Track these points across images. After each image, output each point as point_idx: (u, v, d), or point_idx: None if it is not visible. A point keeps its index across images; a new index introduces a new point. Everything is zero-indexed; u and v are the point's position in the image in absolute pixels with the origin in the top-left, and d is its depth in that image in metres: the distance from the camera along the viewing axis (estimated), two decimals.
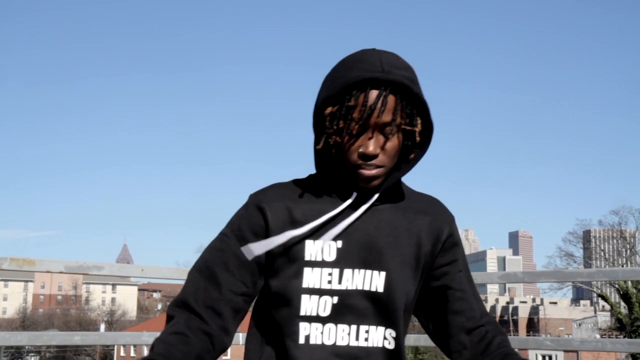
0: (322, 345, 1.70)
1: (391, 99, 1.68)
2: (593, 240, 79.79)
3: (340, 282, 1.71)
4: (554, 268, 51.26)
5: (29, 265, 3.64)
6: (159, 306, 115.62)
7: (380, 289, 1.72)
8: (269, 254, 1.73)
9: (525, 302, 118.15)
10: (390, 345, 1.74)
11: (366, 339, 1.72)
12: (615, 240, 60.92)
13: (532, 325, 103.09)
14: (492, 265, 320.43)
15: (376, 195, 1.75)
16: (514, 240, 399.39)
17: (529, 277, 4.66)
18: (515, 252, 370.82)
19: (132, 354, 60.17)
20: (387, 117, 1.67)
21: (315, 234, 1.73)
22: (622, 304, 47.81)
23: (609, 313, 72.43)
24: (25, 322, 78.06)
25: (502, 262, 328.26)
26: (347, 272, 1.71)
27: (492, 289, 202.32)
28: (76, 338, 3.98)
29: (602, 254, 66.19)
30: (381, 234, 1.75)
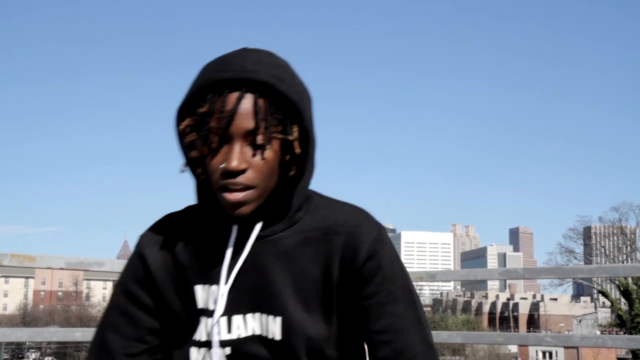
0: None
1: (257, 102, 1.36)
2: (593, 236, 79.70)
3: (229, 330, 1.43)
4: (554, 264, 51.30)
5: (30, 261, 3.64)
6: None
7: (278, 336, 1.41)
8: (161, 301, 1.48)
9: (525, 298, 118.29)
10: None
11: None
12: (615, 237, 60.93)
13: (533, 322, 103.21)
14: (492, 262, 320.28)
15: (258, 226, 1.43)
16: (514, 237, 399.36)
17: (529, 274, 4.64)
18: (516, 249, 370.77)
19: None
20: (251, 124, 1.35)
21: (202, 278, 1.46)
22: (623, 300, 47.86)
23: (609, 309, 72.55)
24: (25, 318, 78.17)
25: (502, 258, 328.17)
26: (237, 318, 1.43)
27: (493, 285, 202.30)
28: (77, 334, 3.98)
29: (603, 250, 66.21)
30: (276, 271, 1.43)
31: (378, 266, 1.42)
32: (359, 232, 1.43)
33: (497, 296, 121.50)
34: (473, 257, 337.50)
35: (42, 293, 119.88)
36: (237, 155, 1.35)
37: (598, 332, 66.41)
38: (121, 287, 1.53)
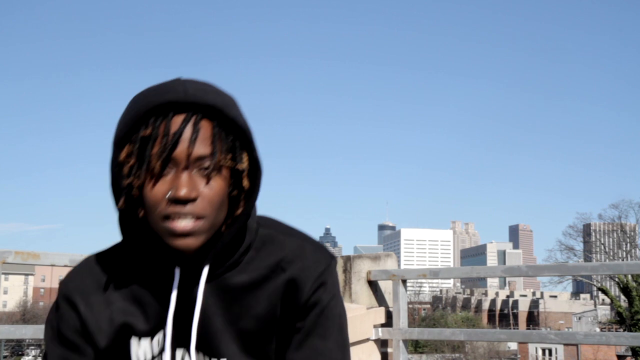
0: None
1: (205, 126, 1.26)
2: (593, 234, 79.85)
3: None
4: (554, 262, 51.31)
5: (34, 258, 3.64)
6: None
7: None
8: (96, 351, 1.36)
9: (525, 295, 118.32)
10: None
11: None
12: (615, 234, 60.95)
13: (532, 319, 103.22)
14: (492, 259, 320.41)
15: (206, 270, 1.33)
16: (514, 234, 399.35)
17: (532, 271, 4.64)
18: (516, 246, 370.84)
19: None
20: (201, 149, 1.24)
21: (140, 330, 1.35)
22: (622, 297, 47.88)
23: (608, 307, 72.57)
24: (25, 315, 78.17)
25: (502, 255, 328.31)
26: (180, 352, 1.34)
27: (492, 283, 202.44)
28: None
29: (602, 247, 66.23)
30: (218, 313, 1.34)
31: (317, 301, 1.34)
32: (303, 268, 1.34)
33: (496, 293, 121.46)
34: (473, 255, 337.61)
35: (42, 290, 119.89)
36: (186, 183, 1.23)
37: (598, 329, 66.44)
38: (58, 340, 1.38)
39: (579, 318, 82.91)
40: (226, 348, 1.33)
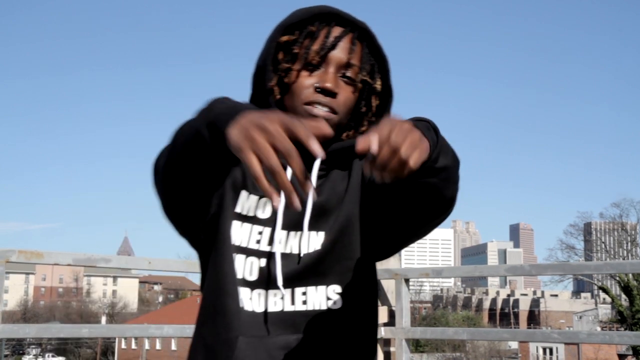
0: (253, 313, 1.48)
1: (357, 43, 1.51)
2: (594, 232, 79.82)
3: (270, 243, 1.49)
4: (555, 260, 51.30)
5: (37, 257, 3.64)
6: (160, 298, 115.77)
7: (319, 249, 1.51)
8: (215, 197, 1.48)
9: (526, 294, 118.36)
10: (335, 305, 1.51)
11: (304, 302, 1.50)
12: (616, 233, 60.91)
13: (533, 318, 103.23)
14: (492, 258, 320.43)
15: (317, 163, 1.49)
16: (514, 233, 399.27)
17: (535, 270, 4.63)
18: (516, 245, 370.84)
19: (133, 346, 60.27)
20: (350, 59, 1.49)
21: (255, 188, 1.50)
22: (623, 296, 47.85)
23: (609, 305, 72.48)
24: (26, 314, 78.14)
25: (502, 254, 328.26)
26: (282, 233, 1.49)
27: (493, 282, 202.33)
28: (84, 330, 3.98)
29: (603, 246, 66.19)
30: (324, 196, 1.52)
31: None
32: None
33: (497, 292, 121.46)
34: (473, 254, 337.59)
35: (43, 289, 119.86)
36: (333, 79, 1.47)
37: (599, 329, 66.41)
38: None
39: (580, 317, 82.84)
40: (329, 224, 1.52)
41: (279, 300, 1.49)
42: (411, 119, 1.36)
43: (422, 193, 1.37)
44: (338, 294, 1.52)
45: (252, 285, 1.48)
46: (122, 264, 4.34)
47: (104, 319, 73.10)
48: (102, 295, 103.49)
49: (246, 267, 1.48)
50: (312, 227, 1.50)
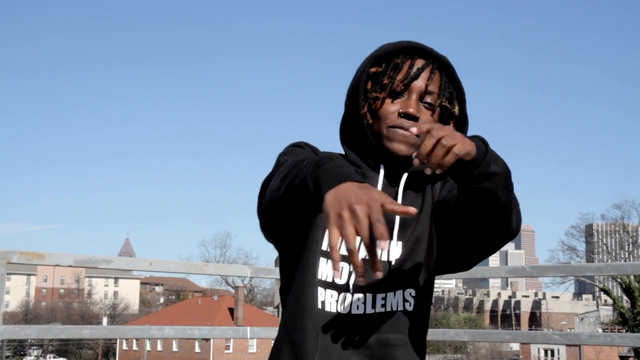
0: (337, 314, 1.66)
1: (437, 74, 1.72)
2: (595, 234, 79.82)
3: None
4: (557, 262, 51.25)
5: (39, 258, 3.64)
6: (161, 299, 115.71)
7: (398, 257, 1.71)
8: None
9: (527, 296, 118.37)
10: (410, 306, 1.72)
11: (383, 305, 1.69)
12: (617, 234, 60.89)
13: (534, 320, 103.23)
14: (494, 260, 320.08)
15: (405, 175, 1.74)
16: None
17: (537, 272, 4.62)
18: (518, 246, 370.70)
19: (135, 347, 60.28)
20: (431, 87, 1.70)
21: None
22: (625, 298, 47.81)
23: (611, 307, 72.46)
24: (27, 315, 78.19)
25: (504, 256, 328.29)
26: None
27: (494, 283, 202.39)
28: (85, 332, 3.98)
29: (605, 248, 66.17)
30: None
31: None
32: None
33: (499, 294, 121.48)
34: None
35: (44, 290, 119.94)
36: (415, 106, 1.68)
37: (600, 330, 66.35)
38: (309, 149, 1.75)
39: (582, 319, 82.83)
40: (408, 235, 1.72)
41: (362, 304, 1.67)
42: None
43: (480, 198, 1.57)
44: (413, 297, 1.72)
45: (340, 288, 1.67)
46: (124, 265, 4.35)
47: (105, 320, 73.09)
48: (103, 297, 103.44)
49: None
50: (397, 238, 1.71)
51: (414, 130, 1.45)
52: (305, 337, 1.64)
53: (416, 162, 1.45)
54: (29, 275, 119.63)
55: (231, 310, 55.13)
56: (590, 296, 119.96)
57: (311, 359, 1.63)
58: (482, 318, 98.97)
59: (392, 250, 1.71)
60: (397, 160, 1.71)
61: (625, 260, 54.32)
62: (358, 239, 1.34)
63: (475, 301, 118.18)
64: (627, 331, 44.34)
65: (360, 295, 1.67)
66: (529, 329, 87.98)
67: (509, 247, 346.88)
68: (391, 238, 1.71)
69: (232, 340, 51.51)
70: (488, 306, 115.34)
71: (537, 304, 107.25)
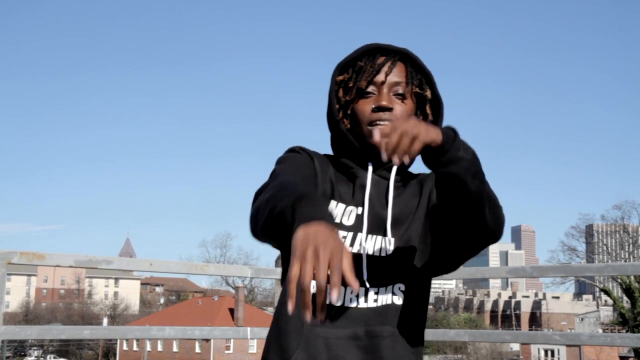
0: (330, 306, 1.74)
1: (400, 65, 1.83)
2: (596, 234, 79.60)
3: (352, 245, 1.78)
4: (557, 262, 51.22)
5: (39, 259, 3.64)
6: (162, 300, 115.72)
7: (390, 253, 1.79)
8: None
9: (527, 296, 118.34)
10: (399, 300, 1.79)
11: (375, 300, 1.77)
12: (618, 235, 60.84)
13: (535, 320, 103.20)
14: (494, 260, 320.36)
15: (395, 168, 1.84)
16: (516, 235, 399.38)
17: (537, 272, 4.62)
18: (518, 247, 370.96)
19: (135, 348, 60.27)
20: (395, 77, 1.80)
21: (340, 198, 1.82)
22: (625, 298, 47.79)
23: (611, 307, 72.44)
24: (28, 316, 78.21)
25: (504, 256, 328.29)
26: (360, 236, 1.79)
27: (495, 284, 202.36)
28: (86, 332, 3.98)
29: (605, 248, 66.12)
30: (394, 204, 1.83)
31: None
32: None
33: (499, 294, 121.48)
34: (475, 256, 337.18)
35: (45, 291, 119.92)
36: (385, 97, 1.78)
37: (600, 331, 66.31)
38: (296, 167, 1.81)
39: (582, 319, 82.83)
40: (399, 230, 1.81)
41: (354, 297, 1.76)
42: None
43: (449, 184, 1.64)
44: (402, 291, 1.79)
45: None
46: (124, 265, 4.34)
47: (105, 321, 73.12)
48: (103, 297, 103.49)
49: None
50: (385, 234, 1.79)
51: (376, 136, 1.52)
52: (291, 327, 1.75)
53: (385, 156, 1.52)
54: (29, 275, 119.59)
55: (232, 311, 55.11)
56: (590, 296, 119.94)
57: (294, 346, 1.74)
58: (483, 318, 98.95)
59: (385, 247, 1.79)
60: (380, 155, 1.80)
61: (625, 261, 54.30)
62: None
63: (476, 301, 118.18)
64: (627, 331, 44.31)
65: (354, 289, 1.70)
66: (529, 329, 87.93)
67: (510, 247, 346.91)
68: (385, 235, 1.80)
69: (232, 340, 51.46)
70: (488, 306, 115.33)
71: (537, 305, 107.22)
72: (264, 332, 4.62)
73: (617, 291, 55.03)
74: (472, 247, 1.76)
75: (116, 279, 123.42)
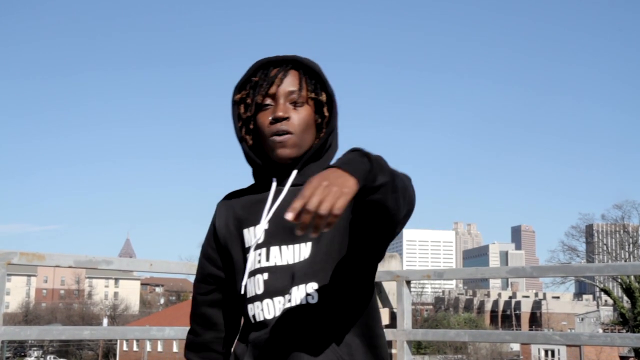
0: (264, 321, 1.81)
1: (293, 73, 1.86)
2: (596, 234, 79.50)
3: (268, 259, 1.83)
4: (557, 262, 51.20)
5: (39, 259, 3.64)
6: (162, 300, 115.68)
7: (307, 256, 1.82)
8: (227, 255, 1.94)
9: (527, 296, 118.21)
10: (313, 299, 1.80)
11: (289, 300, 1.80)
12: (618, 235, 60.81)
13: (535, 320, 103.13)
14: (494, 260, 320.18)
15: (294, 173, 1.86)
16: (516, 235, 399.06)
17: (537, 272, 4.62)
18: (518, 247, 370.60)
19: (135, 348, 60.24)
20: (289, 86, 1.84)
21: (249, 223, 1.89)
22: (625, 298, 47.78)
23: (611, 307, 72.42)
24: (28, 316, 78.16)
25: (504, 256, 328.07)
26: (274, 249, 1.84)
27: (495, 284, 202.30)
28: (85, 332, 3.98)
29: (605, 248, 66.07)
30: None
31: None
32: None
33: (499, 294, 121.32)
34: (475, 256, 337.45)
35: (45, 291, 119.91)
36: (281, 108, 1.82)
37: (601, 331, 66.29)
38: (203, 253, 2.00)
39: (582, 319, 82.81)
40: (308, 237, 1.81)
41: (281, 306, 1.80)
42: (345, 153, 1.62)
43: (372, 208, 1.66)
44: (315, 290, 1.79)
45: (261, 297, 1.83)
46: (124, 266, 4.34)
47: (105, 321, 73.07)
48: (103, 297, 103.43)
49: (256, 284, 1.84)
50: (301, 239, 1.82)
51: (289, 217, 1.48)
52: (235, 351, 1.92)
53: (299, 233, 1.50)
54: (29, 276, 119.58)
55: None
56: (590, 296, 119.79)
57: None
58: (483, 318, 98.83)
59: (300, 251, 1.83)
60: (288, 165, 1.86)
61: (625, 261, 54.30)
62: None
63: (476, 301, 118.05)
64: (627, 331, 44.30)
65: (280, 298, 1.81)
66: (530, 330, 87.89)
67: (510, 247, 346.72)
68: (300, 241, 1.85)
69: None
70: (488, 306, 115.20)
71: (537, 305, 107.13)
72: None
73: (617, 291, 54.98)
74: (392, 232, 1.78)
75: (116, 280, 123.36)
